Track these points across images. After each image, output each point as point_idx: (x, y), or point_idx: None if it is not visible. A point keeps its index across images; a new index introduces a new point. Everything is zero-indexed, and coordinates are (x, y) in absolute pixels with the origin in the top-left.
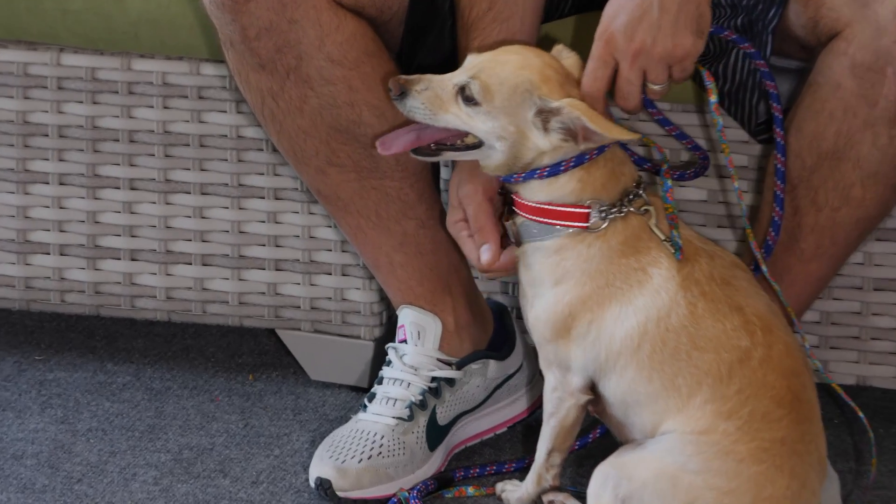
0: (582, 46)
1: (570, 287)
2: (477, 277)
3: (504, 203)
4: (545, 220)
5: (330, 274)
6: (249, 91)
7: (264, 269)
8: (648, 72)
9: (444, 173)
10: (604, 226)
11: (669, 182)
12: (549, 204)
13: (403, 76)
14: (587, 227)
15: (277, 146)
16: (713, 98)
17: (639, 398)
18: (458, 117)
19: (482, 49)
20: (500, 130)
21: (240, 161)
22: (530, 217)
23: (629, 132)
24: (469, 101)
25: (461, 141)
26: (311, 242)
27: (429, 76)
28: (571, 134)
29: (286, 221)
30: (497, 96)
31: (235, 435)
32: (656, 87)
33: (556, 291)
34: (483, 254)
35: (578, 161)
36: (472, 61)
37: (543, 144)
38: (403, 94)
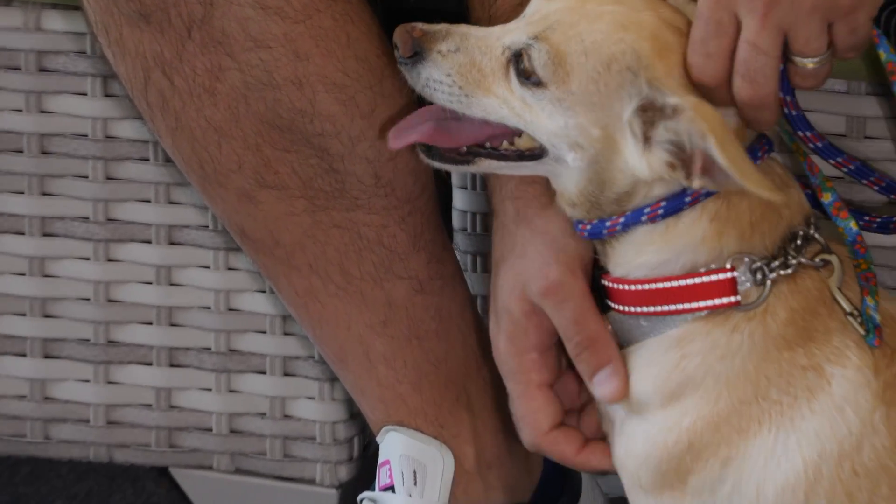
0: None
1: (694, 403)
2: None
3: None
4: (661, 307)
5: (262, 372)
6: (124, 59)
7: (149, 363)
8: (793, 33)
9: (457, 200)
10: (763, 296)
11: (853, 225)
12: (662, 280)
13: (420, 24)
14: (738, 303)
15: (171, 153)
16: None
17: None
18: (506, 104)
19: None
20: (575, 133)
21: (108, 179)
22: (635, 310)
23: (777, 191)
24: (528, 78)
25: (510, 143)
26: (228, 319)
27: (463, 28)
28: (682, 158)
29: (187, 283)
30: (576, 75)
31: None
32: (808, 64)
33: (668, 413)
34: (606, 383)
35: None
36: (538, 9)
37: (638, 167)
38: (418, 54)
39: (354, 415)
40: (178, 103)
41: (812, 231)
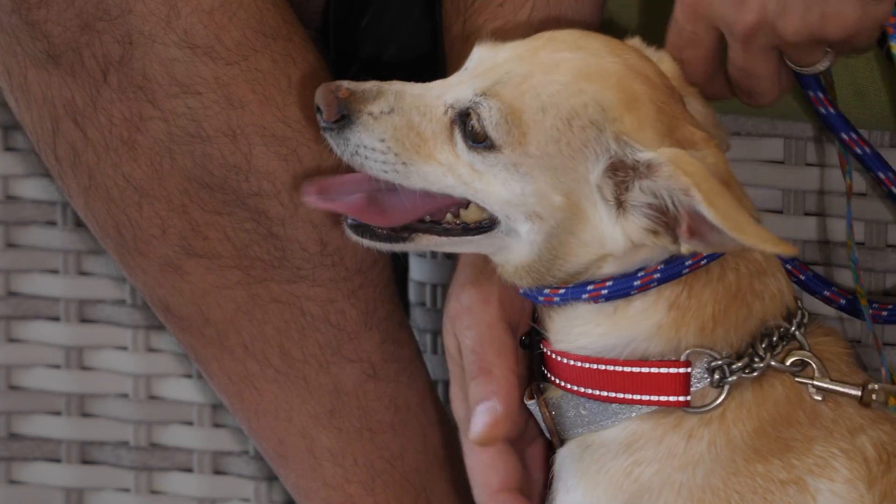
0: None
1: None
2: None
3: (530, 353)
4: (602, 392)
5: (189, 470)
6: (29, 107)
7: (58, 459)
8: (784, 51)
9: (414, 270)
10: (719, 400)
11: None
12: (607, 362)
13: (346, 82)
14: (686, 403)
15: (84, 216)
16: None
17: None
18: (451, 171)
19: (503, 34)
20: (533, 201)
21: (9, 246)
22: (573, 388)
23: (783, 243)
24: (477, 141)
25: (455, 215)
26: (149, 408)
27: (397, 85)
28: (666, 221)
29: (101, 366)
30: (534, 135)
31: None
32: (808, 71)
33: None
34: (478, 418)
35: (670, 272)
36: (482, 60)
37: (614, 237)
38: (345, 117)
39: None
40: (91, 158)
41: (795, 328)
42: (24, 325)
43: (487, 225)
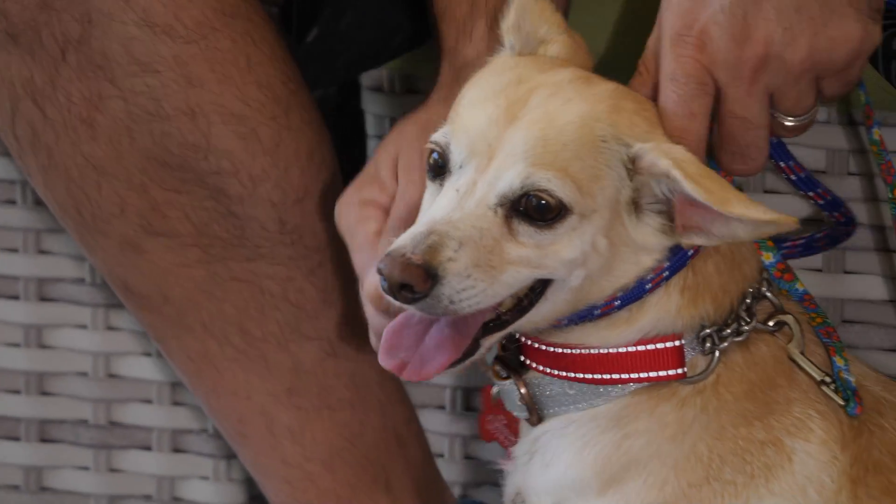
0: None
1: (637, 490)
2: (441, 455)
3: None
4: (596, 375)
5: (148, 448)
6: None
7: (17, 437)
8: (781, 95)
9: None
10: (711, 367)
11: (800, 285)
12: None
13: (406, 246)
14: (683, 375)
15: (43, 195)
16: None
17: None
18: (524, 262)
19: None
20: (588, 250)
21: None
22: (559, 373)
23: (783, 215)
24: (546, 217)
25: (512, 299)
26: (108, 387)
27: (438, 219)
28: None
29: (60, 345)
30: (585, 182)
31: None
32: (790, 122)
33: (607, 501)
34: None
35: (678, 262)
36: (470, 143)
37: (643, 241)
38: (433, 277)
39: (255, 497)
40: (50, 137)
41: (765, 288)
42: None
43: (539, 290)
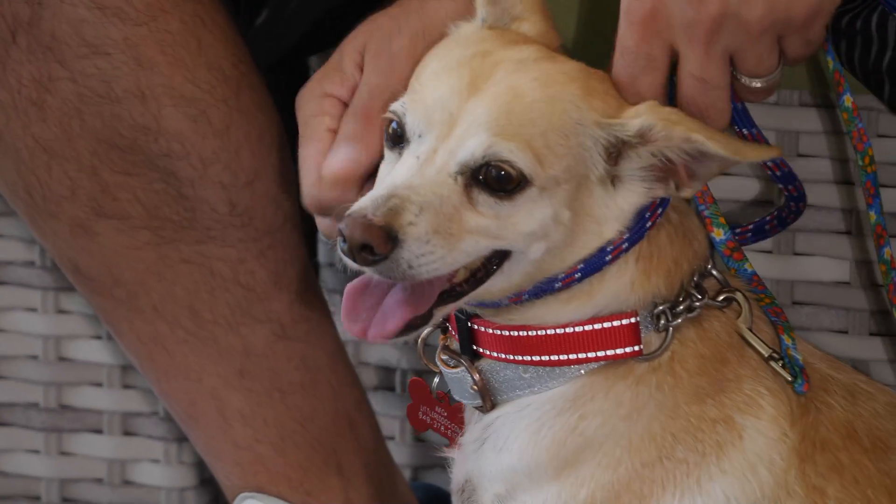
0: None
1: (591, 471)
2: (392, 438)
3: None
4: (552, 356)
5: (99, 431)
6: None
7: None
8: (742, 55)
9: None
10: (665, 344)
11: (748, 266)
12: (555, 327)
13: (366, 206)
14: (640, 353)
15: None
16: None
17: None
18: (483, 233)
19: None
20: (549, 223)
21: None
22: (514, 358)
23: (772, 146)
24: (506, 187)
25: (466, 270)
26: (59, 370)
27: (398, 184)
28: (661, 176)
29: (10, 328)
30: (548, 157)
31: None
32: (758, 83)
33: (562, 484)
34: (341, 153)
35: (637, 233)
36: (426, 111)
37: (616, 217)
38: (394, 239)
39: (206, 480)
40: (0, 119)
41: (709, 266)
42: None
43: (497, 263)
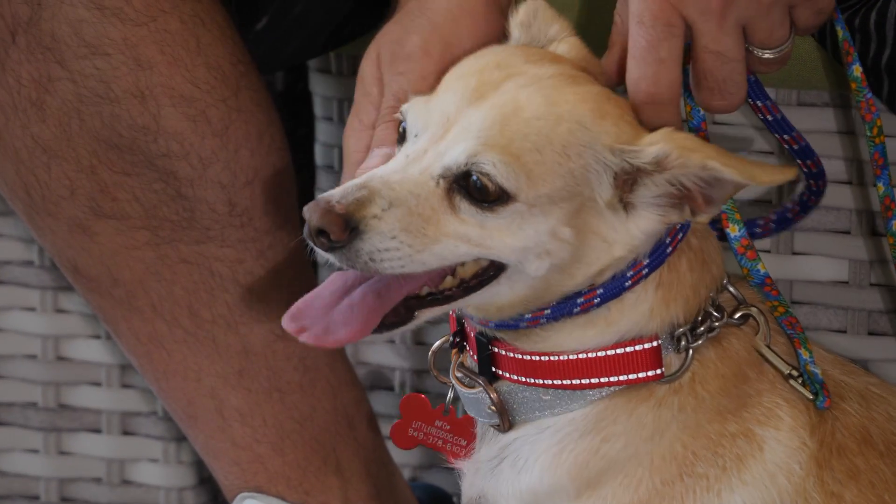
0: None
1: (613, 492)
2: (387, 437)
3: (456, 338)
4: (574, 381)
5: (98, 431)
6: None
7: None
8: (754, 26)
9: None
10: (685, 366)
11: (761, 267)
12: (578, 352)
13: (334, 195)
14: (661, 376)
15: None
16: (856, 70)
17: None
18: (463, 239)
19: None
20: (545, 239)
21: None
22: (535, 381)
23: (786, 168)
24: (488, 198)
25: (453, 275)
26: (58, 369)
27: (375, 177)
28: (676, 202)
29: (9, 327)
30: (539, 174)
31: None
32: (770, 54)
33: None
34: (375, 159)
35: (657, 258)
36: (425, 116)
37: (626, 241)
38: (353, 230)
39: (205, 480)
40: (0, 119)
41: (727, 283)
42: None
43: (492, 274)
